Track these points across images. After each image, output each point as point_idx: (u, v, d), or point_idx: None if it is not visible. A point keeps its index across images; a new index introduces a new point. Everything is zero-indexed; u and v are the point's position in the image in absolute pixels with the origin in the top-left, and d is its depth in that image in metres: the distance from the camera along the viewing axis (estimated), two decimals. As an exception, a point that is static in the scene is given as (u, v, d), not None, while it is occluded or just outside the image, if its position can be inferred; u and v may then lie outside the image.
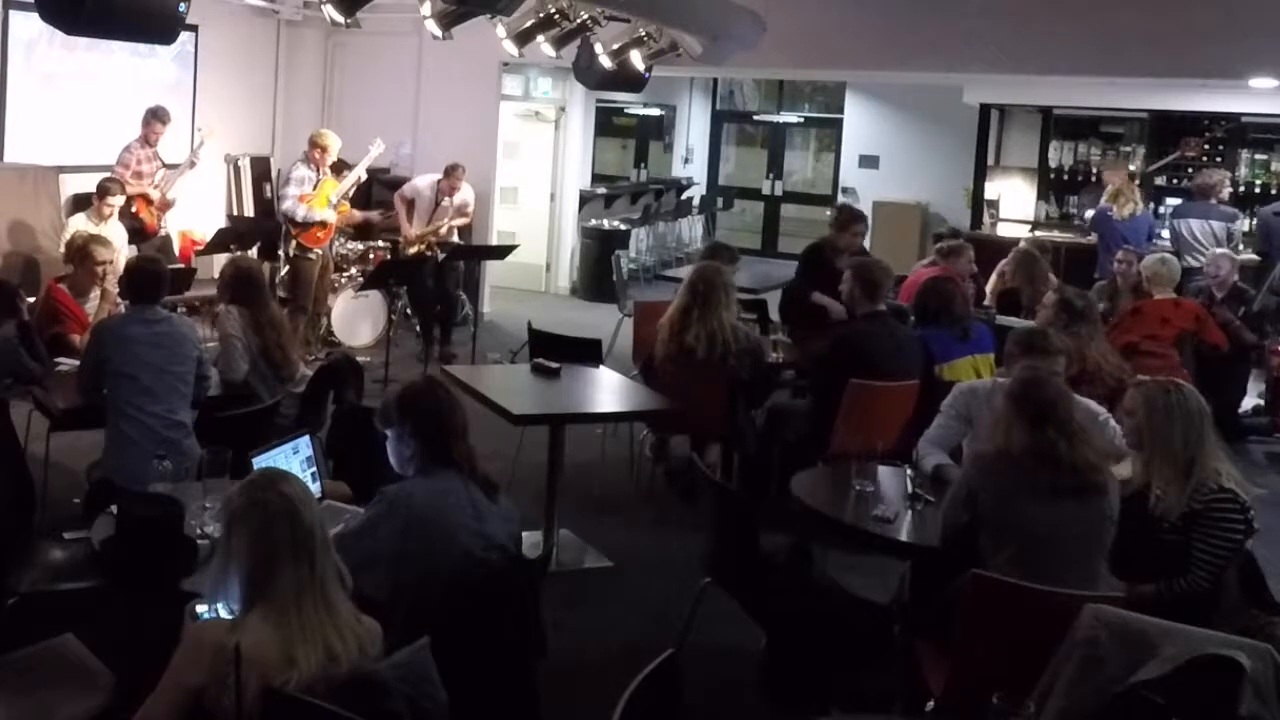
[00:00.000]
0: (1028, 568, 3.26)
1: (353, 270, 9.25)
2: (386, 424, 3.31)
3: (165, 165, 8.43)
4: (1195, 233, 9.12)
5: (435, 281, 8.98)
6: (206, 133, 8.86)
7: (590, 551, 5.43)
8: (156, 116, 8.34)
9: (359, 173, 8.77)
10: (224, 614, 2.55)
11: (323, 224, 8.55)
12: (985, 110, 12.40)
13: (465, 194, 9.16)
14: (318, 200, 8.49)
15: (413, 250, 9.00)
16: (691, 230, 15.40)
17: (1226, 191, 9.52)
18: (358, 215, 9.27)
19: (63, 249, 7.05)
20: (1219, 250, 8.33)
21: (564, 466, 5.31)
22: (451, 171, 9.02)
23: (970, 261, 7.57)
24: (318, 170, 8.54)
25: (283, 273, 8.95)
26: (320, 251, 8.62)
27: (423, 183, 9.19)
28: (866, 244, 7.63)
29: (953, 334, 5.73)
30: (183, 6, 4.99)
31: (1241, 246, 9.45)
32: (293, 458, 3.82)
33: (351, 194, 8.87)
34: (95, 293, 6.15)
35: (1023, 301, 7.22)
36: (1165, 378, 4.00)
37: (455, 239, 9.37)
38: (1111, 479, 3.48)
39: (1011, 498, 3.40)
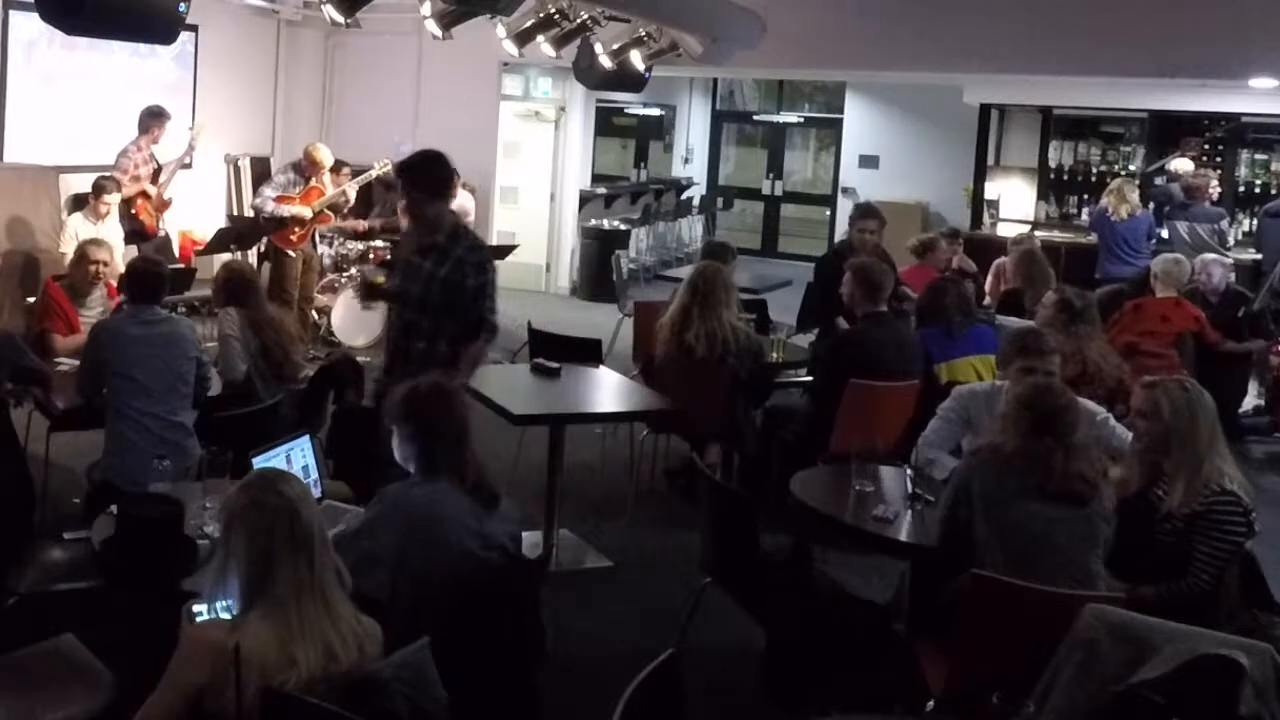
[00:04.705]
0: (1021, 564, 3.27)
1: (353, 270, 9.24)
2: (391, 421, 3.32)
3: (159, 165, 8.41)
4: (1184, 235, 9.14)
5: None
6: (197, 132, 8.82)
7: (590, 551, 5.42)
8: (164, 116, 8.31)
9: (350, 191, 8.69)
10: (222, 614, 2.55)
11: (297, 224, 8.43)
12: (985, 110, 12.38)
13: (464, 201, 9.15)
14: (299, 204, 8.45)
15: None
16: (691, 230, 15.40)
17: (1215, 192, 9.50)
18: (361, 225, 9.27)
19: (63, 249, 7.04)
20: (1209, 256, 8.30)
21: (564, 466, 5.31)
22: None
23: (951, 250, 7.51)
24: (307, 179, 8.51)
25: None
26: (294, 252, 8.54)
27: None
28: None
29: (952, 334, 5.73)
30: (183, 6, 4.99)
31: (1231, 244, 9.46)
32: (292, 458, 3.82)
33: (353, 201, 8.86)
34: (95, 295, 6.14)
35: (1025, 303, 7.21)
36: (1171, 377, 3.98)
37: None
38: (1104, 491, 3.47)
39: (1002, 493, 3.41)
